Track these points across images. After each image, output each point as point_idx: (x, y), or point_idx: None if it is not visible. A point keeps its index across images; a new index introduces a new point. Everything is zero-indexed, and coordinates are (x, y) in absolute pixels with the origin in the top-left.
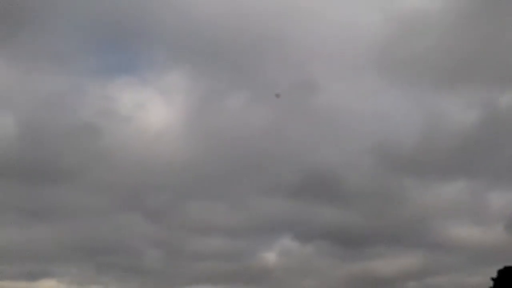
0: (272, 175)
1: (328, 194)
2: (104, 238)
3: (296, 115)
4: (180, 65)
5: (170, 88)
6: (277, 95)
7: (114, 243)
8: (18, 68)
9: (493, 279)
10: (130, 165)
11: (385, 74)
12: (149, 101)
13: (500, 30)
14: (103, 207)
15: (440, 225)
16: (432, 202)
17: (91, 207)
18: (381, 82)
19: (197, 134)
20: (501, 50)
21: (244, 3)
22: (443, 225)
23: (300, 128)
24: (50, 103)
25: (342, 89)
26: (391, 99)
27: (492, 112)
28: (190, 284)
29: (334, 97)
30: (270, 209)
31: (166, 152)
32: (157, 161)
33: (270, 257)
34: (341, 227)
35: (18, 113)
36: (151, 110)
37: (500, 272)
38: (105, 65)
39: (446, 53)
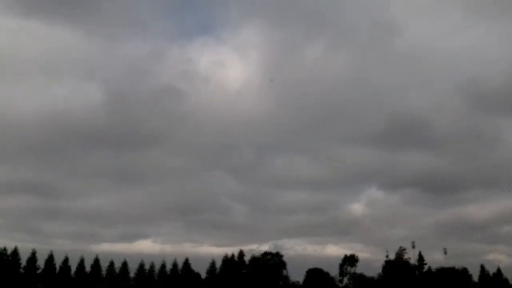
0: (355, 123)
1: (415, 139)
2: (192, 197)
3: (378, 58)
4: (253, 20)
5: (246, 44)
6: (271, 80)
7: (202, 202)
8: (100, 37)
9: None
10: (212, 124)
11: (472, 8)
12: (227, 60)
13: None
14: (190, 167)
15: None
16: None
17: (179, 168)
18: (467, 17)
19: (276, 88)
20: None
21: None
22: None
23: (383, 72)
24: (132, 70)
25: (425, 27)
26: (479, 34)
27: None
28: (279, 237)
29: (418, 36)
30: (354, 159)
31: (246, 109)
32: (239, 118)
33: (356, 208)
34: (430, 173)
35: (103, 81)
36: (229, 69)
37: None
38: (182, 28)
39: None
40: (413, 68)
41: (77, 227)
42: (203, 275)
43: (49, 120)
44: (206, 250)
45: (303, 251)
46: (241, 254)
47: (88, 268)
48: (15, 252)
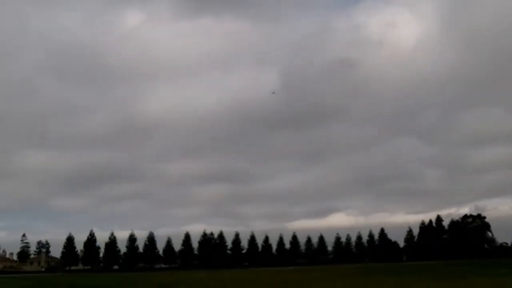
0: None
1: None
2: (380, 167)
3: None
4: None
5: None
6: (273, 93)
7: (391, 170)
8: (265, 21)
9: None
10: (391, 89)
11: None
12: (397, 19)
13: None
14: (374, 136)
15: None
16: None
17: (362, 139)
18: None
19: (454, 40)
20: None
21: None
22: None
23: None
24: (301, 47)
25: None
26: None
27: None
28: (479, 198)
29: None
30: None
31: (424, 67)
32: (418, 78)
33: None
34: None
35: (275, 64)
36: (401, 28)
37: None
38: None
39: None
40: None
41: (272, 208)
42: (401, 243)
43: (230, 110)
44: (401, 218)
45: (509, 210)
46: (439, 219)
47: (287, 245)
48: (221, 235)
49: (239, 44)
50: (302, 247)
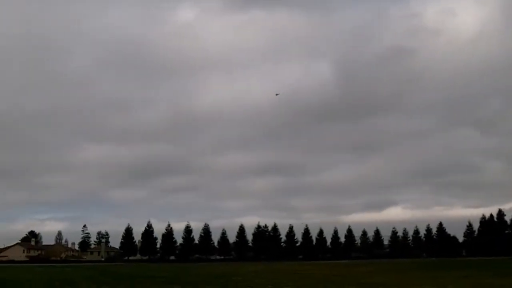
0: None
1: None
2: (437, 159)
3: None
4: None
5: None
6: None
7: (448, 162)
8: (317, 12)
9: None
10: (449, 78)
11: None
12: (456, 7)
13: None
14: (430, 127)
15: None
16: None
17: (418, 130)
18: None
19: None
20: None
21: None
22: None
23: None
24: (355, 37)
25: None
26: None
27: None
28: None
29: None
30: None
31: (486, 55)
32: (478, 67)
33: None
34: None
35: (329, 54)
36: (461, 16)
37: None
38: None
39: None
40: None
41: (326, 201)
42: (460, 238)
43: (283, 102)
44: (459, 212)
45: None
46: (501, 213)
47: (342, 238)
48: (275, 228)
49: (292, 35)
50: (357, 240)
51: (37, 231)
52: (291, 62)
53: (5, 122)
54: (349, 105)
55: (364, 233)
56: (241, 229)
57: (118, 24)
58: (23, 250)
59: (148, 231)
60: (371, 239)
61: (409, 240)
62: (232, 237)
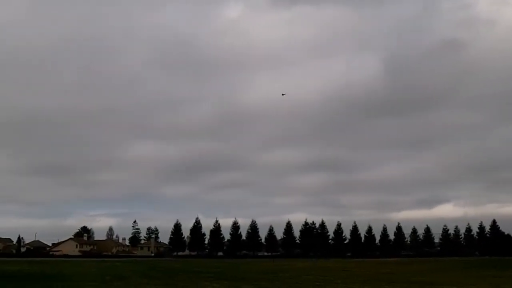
0: None
1: None
2: (492, 154)
3: None
4: None
5: None
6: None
7: (504, 158)
8: (366, 6)
9: None
10: (505, 71)
11: None
12: None
13: None
14: (484, 122)
15: None
16: None
17: (472, 124)
18: None
19: None
20: None
21: None
22: None
23: None
24: (405, 30)
25: None
26: None
27: None
28: None
29: None
30: None
31: None
32: None
33: None
34: None
35: (378, 48)
36: None
37: None
38: None
39: None
40: None
41: (375, 197)
42: None
43: (332, 98)
44: None
45: None
46: None
47: (391, 236)
48: (323, 225)
49: (340, 30)
50: (407, 238)
51: (89, 226)
52: (339, 57)
53: (59, 121)
54: (399, 100)
55: (414, 231)
56: (289, 226)
57: (165, 24)
58: (76, 245)
59: (196, 227)
60: (421, 237)
61: (461, 238)
62: (279, 234)
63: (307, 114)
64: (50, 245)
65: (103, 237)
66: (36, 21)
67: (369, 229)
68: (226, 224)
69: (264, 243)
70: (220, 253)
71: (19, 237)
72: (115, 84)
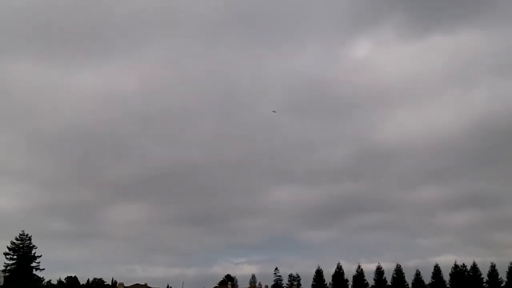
0: None
1: None
2: None
3: None
4: None
5: None
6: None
7: None
8: (500, 27)
9: None
10: None
11: None
12: None
13: None
14: None
15: None
16: None
17: None
18: None
19: None
20: None
21: None
22: None
23: None
24: None
25: None
26: None
27: None
28: None
29: None
30: None
31: None
32: None
33: None
34: None
35: None
36: None
37: None
38: None
39: None
40: None
41: None
42: None
43: (475, 127)
44: None
45: None
46: None
47: None
48: (475, 267)
49: (475, 56)
50: None
51: (232, 274)
52: (479, 83)
53: (201, 170)
54: None
55: None
56: (437, 269)
57: (295, 69)
58: None
59: (338, 273)
60: None
61: None
62: (427, 278)
63: (450, 146)
64: None
65: (246, 285)
66: (177, 86)
67: None
68: (369, 269)
69: None
70: None
71: (167, 287)
72: (252, 131)
